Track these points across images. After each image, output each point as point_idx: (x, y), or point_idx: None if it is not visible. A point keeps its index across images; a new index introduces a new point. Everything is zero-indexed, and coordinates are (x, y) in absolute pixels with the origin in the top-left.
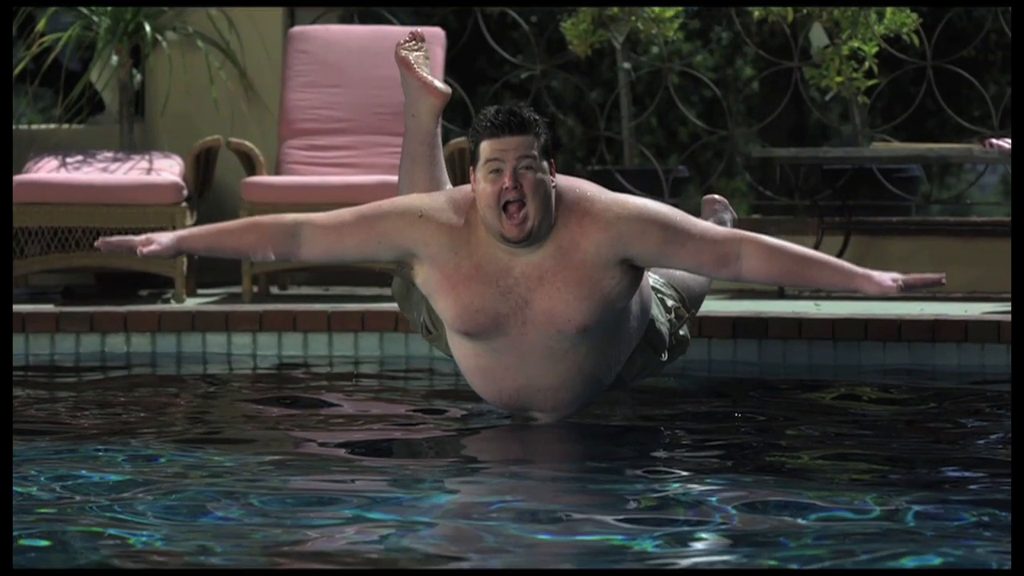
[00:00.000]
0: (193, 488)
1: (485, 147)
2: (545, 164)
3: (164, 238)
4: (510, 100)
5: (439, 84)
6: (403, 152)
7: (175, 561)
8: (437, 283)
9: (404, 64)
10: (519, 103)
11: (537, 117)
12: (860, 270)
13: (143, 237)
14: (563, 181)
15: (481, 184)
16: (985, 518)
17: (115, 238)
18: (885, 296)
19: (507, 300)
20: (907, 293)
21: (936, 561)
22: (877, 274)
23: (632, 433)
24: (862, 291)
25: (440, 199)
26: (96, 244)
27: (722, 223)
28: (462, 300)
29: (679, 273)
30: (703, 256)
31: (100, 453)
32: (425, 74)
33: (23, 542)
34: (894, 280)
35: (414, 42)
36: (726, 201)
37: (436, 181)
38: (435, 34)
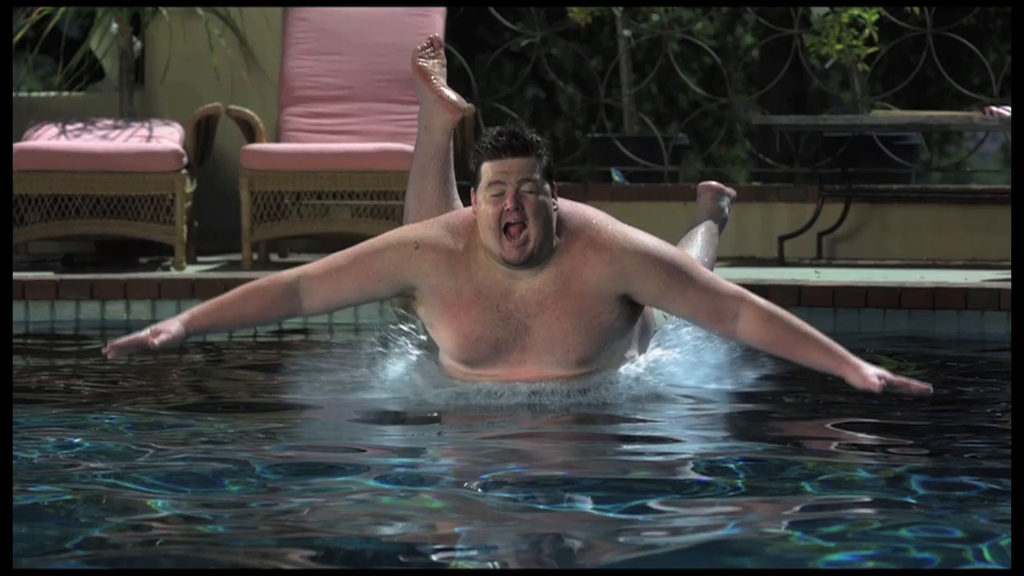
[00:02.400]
0: (194, 456)
1: (487, 169)
2: (547, 186)
3: (172, 326)
4: (510, 68)
5: (455, 98)
6: (413, 165)
7: (177, 530)
8: (439, 312)
9: (421, 75)
10: (521, 124)
11: (539, 139)
12: (851, 359)
13: (148, 331)
14: (567, 206)
15: (482, 206)
16: (994, 486)
17: (122, 340)
18: (867, 390)
19: (507, 326)
20: (890, 391)
21: (956, 532)
22: (865, 367)
23: (632, 400)
24: (846, 379)
25: (435, 227)
26: (104, 351)
27: (720, 211)
28: (463, 329)
29: None
30: (701, 307)
31: (101, 421)
32: (442, 87)
33: (27, 503)
34: (880, 377)
35: (431, 49)
36: (721, 186)
37: (446, 198)
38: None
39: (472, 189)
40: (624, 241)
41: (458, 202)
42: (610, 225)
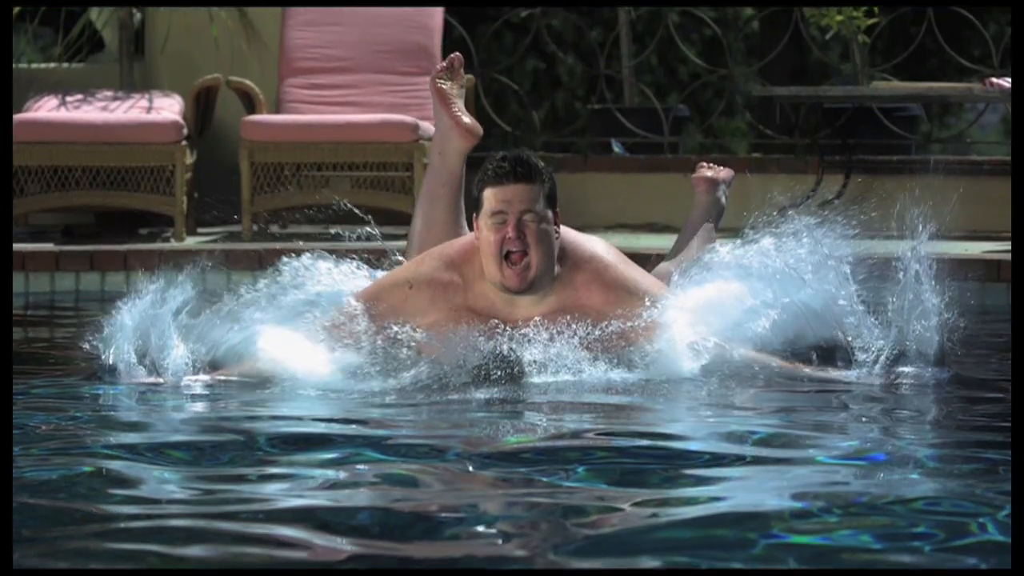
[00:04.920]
0: (195, 428)
1: (489, 195)
2: (550, 214)
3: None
4: (510, 39)
5: (470, 123)
6: (423, 189)
7: (178, 503)
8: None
9: (439, 97)
10: (524, 150)
11: (542, 165)
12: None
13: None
14: (573, 235)
15: (484, 232)
16: (996, 457)
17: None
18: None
19: None
20: None
21: (958, 505)
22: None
23: (631, 375)
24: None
25: (427, 262)
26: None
27: (717, 202)
28: None
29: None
30: None
31: (101, 393)
32: (459, 112)
33: (28, 475)
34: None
35: (451, 70)
36: (715, 176)
37: (455, 225)
38: None
39: (474, 214)
40: (632, 286)
41: (465, 229)
42: (620, 265)
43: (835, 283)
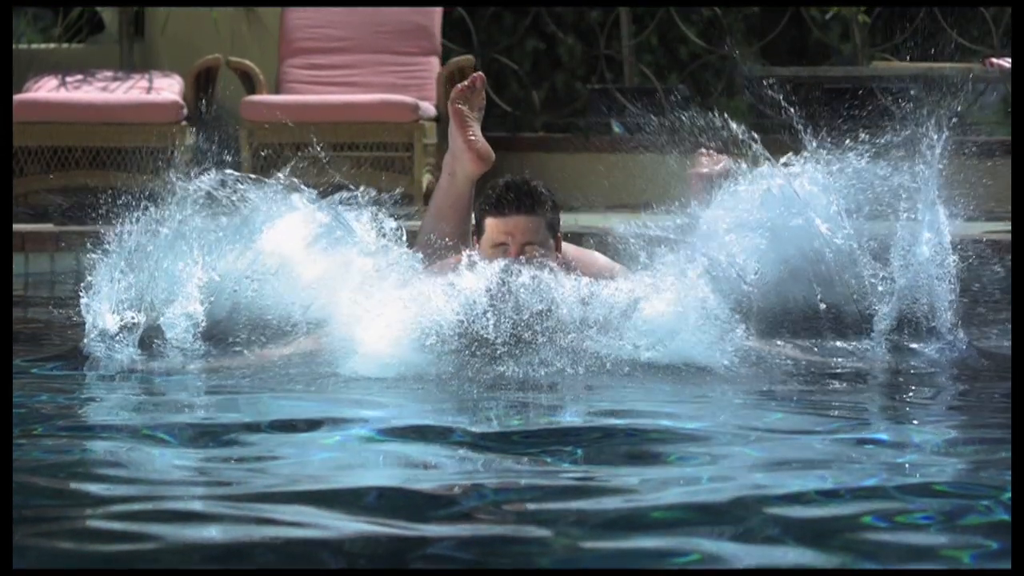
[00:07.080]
0: (195, 409)
1: (491, 225)
2: (551, 242)
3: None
4: (510, 19)
5: (483, 149)
6: (431, 207)
7: (181, 485)
8: None
9: (457, 120)
10: (527, 176)
11: (545, 193)
12: None
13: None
14: (576, 252)
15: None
16: (996, 437)
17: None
18: None
19: None
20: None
21: (961, 488)
22: None
23: (633, 356)
24: None
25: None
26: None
27: (713, 193)
28: None
29: None
30: None
31: (100, 374)
32: (474, 137)
33: (29, 457)
34: None
35: (471, 90)
36: (711, 172)
37: (458, 248)
38: None
39: (475, 237)
40: None
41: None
42: (622, 280)
43: (840, 235)
